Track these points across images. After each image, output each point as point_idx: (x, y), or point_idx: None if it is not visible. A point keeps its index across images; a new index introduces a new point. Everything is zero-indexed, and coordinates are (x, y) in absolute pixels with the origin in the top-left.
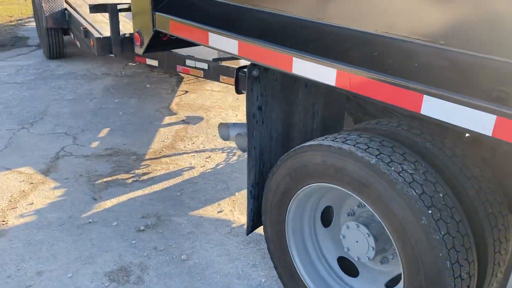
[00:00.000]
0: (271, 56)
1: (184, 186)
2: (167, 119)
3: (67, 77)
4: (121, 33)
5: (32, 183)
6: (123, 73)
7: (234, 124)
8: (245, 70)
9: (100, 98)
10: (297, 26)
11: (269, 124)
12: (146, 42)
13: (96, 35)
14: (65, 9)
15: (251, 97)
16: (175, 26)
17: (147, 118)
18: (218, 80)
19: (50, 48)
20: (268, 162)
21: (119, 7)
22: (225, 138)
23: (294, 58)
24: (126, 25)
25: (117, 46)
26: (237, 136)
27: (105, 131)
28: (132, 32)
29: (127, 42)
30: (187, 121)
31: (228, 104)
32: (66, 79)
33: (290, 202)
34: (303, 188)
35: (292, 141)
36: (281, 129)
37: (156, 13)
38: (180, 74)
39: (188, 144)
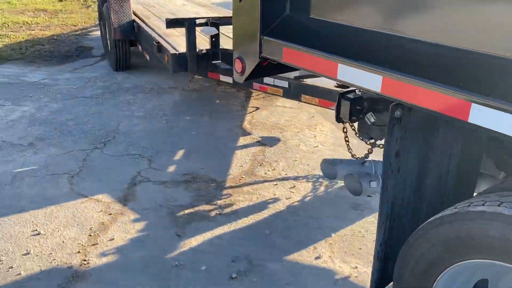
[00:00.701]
0: (436, 99)
1: (272, 222)
2: (242, 140)
3: (134, 90)
4: (197, 49)
5: (111, 214)
6: (190, 86)
7: (342, 161)
8: (350, 96)
9: (170, 115)
10: (467, 60)
11: (404, 172)
12: (249, 70)
13: (172, 51)
14: (133, 20)
15: (390, 141)
16: (289, 54)
17: (221, 138)
18: (299, 100)
19: (117, 60)
20: (399, 217)
21: (197, 21)
22: (331, 176)
23: (472, 105)
24: (201, 40)
25: (193, 63)
26: (348, 178)
27: (180, 153)
28: (208, 48)
29: (203, 58)
30: (263, 142)
31: (303, 123)
32: (134, 93)
33: (440, 275)
34: (462, 262)
35: (425, 190)
36: (415, 177)
37: (265, 37)
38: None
39: (268, 170)
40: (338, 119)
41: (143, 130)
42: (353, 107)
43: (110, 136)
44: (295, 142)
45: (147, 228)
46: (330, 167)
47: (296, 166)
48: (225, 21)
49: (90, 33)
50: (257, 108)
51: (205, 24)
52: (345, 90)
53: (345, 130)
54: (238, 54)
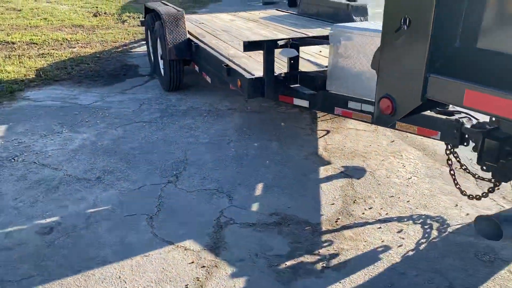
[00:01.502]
0: None
1: (391, 278)
2: (323, 171)
3: (192, 113)
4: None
5: (204, 266)
6: (249, 108)
7: (506, 218)
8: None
9: (237, 141)
10: None
11: None
12: (403, 112)
13: (247, 75)
14: (189, 39)
15: None
16: (475, 97)
17: (299, 169)
18: (393, 127)
19: (170, 80)
20: None
21: (279, 43)
22: (493, 237)
23: None
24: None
25: (270, 88)
26: (483, 220)
27: (259, 187)
28: (287, 71)
29: (281, 83)
30: (347, 173)
31: (385, 149)
32: (192, 117)
33: None
34: None
35: None
36: None
37: (433, 75)
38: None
39: (365, 209)
40: (480, 160)
41: (213, 160)
42: (503, 148)
43: (180, 167)
44: (384, 173)
45: (250, 285)
46: (490, 227)
47: (395, 203)
48: (305, 41)
49: (132, 50)
50: (328, 132)
51: (285, 46)
52: (458, 117)
53: (450, 162)
54: (386, 92)
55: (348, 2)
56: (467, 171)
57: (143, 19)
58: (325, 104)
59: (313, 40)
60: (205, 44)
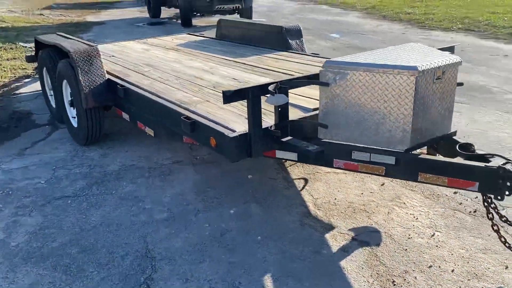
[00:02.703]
0: None
1: None
2: (332, 241)
3: (129, 175)
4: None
5: None
6: (198, 158)
7: None
8: None
9: (206, 211)
10: None
11: None
12: None
13: (228, 132)
14: (108, 80)
15: None
16: None
17: (304, 243)
18: (414, 179)
19: (88, 132)
20: None
21: (271, 87)
22: None
23: None
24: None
25: (258, 145)
26: None
27: (269, 283)
28: (276, 123)
29: (271, 138)
30: (361, 239)
31: (381, 196)
32: (132, 180)
33: None
34: None
35: None
36: None
37: None
38: None
39: None
40: None
41: (188, 247)
42: None
43: (146, 266)
44: (401, 232)
45: None
46: None
47: (440, 276)
48: (297, 83)
49: (17, 92)
50: (306, 181)
51: (272, 90)
52: (500, 164)
53: (491, 216)
54: None
55: (282, 25)
56: (508, 222)
57: (31, 55)
58: (321, 156)
59: (306, 81)
60: (136, 86)
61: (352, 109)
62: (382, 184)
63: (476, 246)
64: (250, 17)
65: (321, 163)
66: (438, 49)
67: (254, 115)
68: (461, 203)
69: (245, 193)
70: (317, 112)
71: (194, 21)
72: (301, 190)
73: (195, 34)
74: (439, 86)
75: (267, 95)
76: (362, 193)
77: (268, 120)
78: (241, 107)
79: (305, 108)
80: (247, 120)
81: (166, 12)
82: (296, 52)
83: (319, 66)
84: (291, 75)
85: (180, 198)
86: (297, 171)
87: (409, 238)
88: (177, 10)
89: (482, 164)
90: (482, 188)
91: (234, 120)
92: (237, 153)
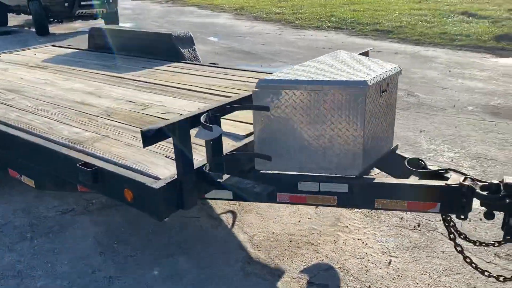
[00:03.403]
0: None
1: None
2: None
3: (4, 239)
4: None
5: None
6: (94, 202)
7: None
8: None
9: (120, 276)
10: None
11: None
12: None
13: (150, 182)
14: None
15: None
16: None
17: None
18: (370, 207)
19: None
20: None
21: (202, 118)
22: None
23: None
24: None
25: (191, 193)
26: None
27: None
28: (210, 162)
29: (206, 180)
30: (320, 284)
31: (320, 222)
32: (10, 246)
33: None
34: None
35: None
36: None
37: None
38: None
39: None
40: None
41: None
42: None
43: None
44: (357, 265)
45: None
46: None
47: None
48: (230, 109)
49: None
50: (234, 214)
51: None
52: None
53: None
54: None
55: (171, 32)
56: (467, 239)
57: None
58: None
59: (244, 106)
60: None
61: (293, 134)
62: (317, 207)
63: (436, 268)
64: (117, 22)
65: (262, 199)
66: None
67: (184, 155)
68: (402, 218)
69: (166, 242)
70: (251, 139)
71: (51, 28)
72: (232, 227)
73: (62, 46)
74: (384, 100)
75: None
76: (299, 221)
77: (196, 156)
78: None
79: (235, 136)
80: (169, 159)
81: (15, 19)
82: (191, 62)
83: (226, 79)
84: (198, 91)
85: (82, 264)
86: (220, 202)
87: (367, 271)
88: (29, 17)
89: (442, 183)
90: (444, 208)
91: (152, 161)
92: (165, 208)
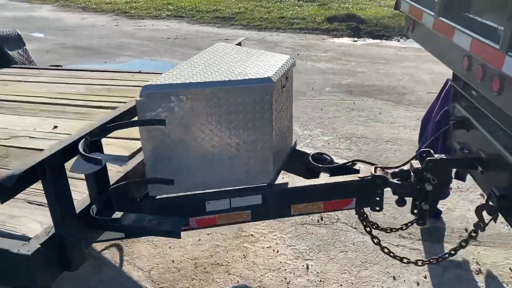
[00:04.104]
0: None
1: None
2: None
3: None
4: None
5: None
6: None
7: None
8: None
9: None
10: None
11: None
12: None
13: (19, 247)
14: None
15: None
16: None
17: None
18: (287, 215)
19: None
20: None
21: (80, 146)
22: None
23: None
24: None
25: (77, 247)
26: None
27: None
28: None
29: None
30: None
31: (227, 236)
32: None
33: None
34: None
35: None
36: None
37: None
38: None
39: None
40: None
41: None
42: None
43: None
44: (276, 279)
45: None
46: None
47: None
48: (110, 129)
49: None
50: (121, 249)
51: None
52: (373, 173)
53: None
54: None
55: None
56: (380, 228)
57: None
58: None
59: (133, 123)
60: None
61: (194, 147)
62: (241, 228)
63: (353, 263)
64: None
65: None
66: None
67: (61, 199)
68: None
69: None
70: (139, 158)
71: None
72: (121, 265)
73: None
74: (284, 95)
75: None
76: (199, 240)
77: (76, 195)
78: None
79: (118, 158)
80: (35, 205)
81: None
82: (25, 66)
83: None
84: (47, 103)
85: None
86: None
87: (288, 283)
88: None
89: (355, 177)
90: (360, 203)
91: (12, 213)
92: (42, 275)
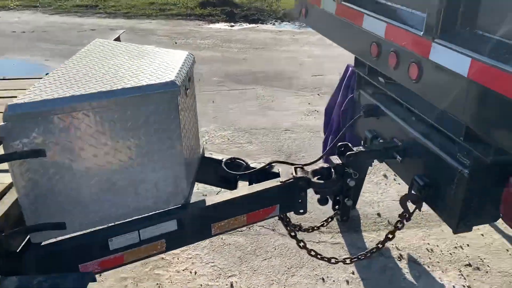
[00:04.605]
0: None
1: None
2: None
3: None
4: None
5: None
6: None
7: None
8: None
9: None
10: None
11: None
12: None
13: None
14: None
15: None
16: None
17: None
18: (209, 235)
19: None
20: None
21: None
22: None
23: None
24: None
25: None
26: None
27: None
28: None
29: None
30: None
31: (141, 276)
32: None
33: None
34: None
35: None
36: None
37: None
38: None
39: None
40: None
41: None
42: None
43: None
44: None
45: None
46: None
47: None
48: None
49: None
50: None
51: None
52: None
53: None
54: None
55: None
56: (302, 229)
57: None
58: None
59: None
60: None
61: (84, 175)
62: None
63: (278, 271)
64: None
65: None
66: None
67: None
68: None
69: None
70: (11, 198)
71: None
72: None
73: None
74: (189, 100)
75: None
76: (100, 276)
77: None
78: None
79: None
80: None
81: None
82: None
83: None
84: None
85: None
86: None
87: None
88: None
89: (277, 182)
90: (283, 208)
91: None
92: None
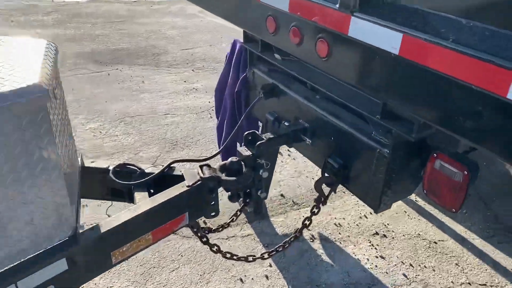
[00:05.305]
0: None
1: None
2: None
3: None
4: None
5: None
6: None
7: None
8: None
9: None
10: None
11: None
12: None
13: None
14: None
15: None
16: None
17: None
18: (110, 266)
19: None
20: None
21: None
22: None
23: None
24: None
25: None
26: None
27: None
28: None
29: None
30: None
31: None
32: None
33: None
34: None
35: None
36: None
37: None
38: None
39: None
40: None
41: None
42: None
43: None
44: None
45: None
46: None
47: None
48: None
49: None
50: None
51: None
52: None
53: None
54: None
55: None
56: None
57: None
58: None
59: None
60: None
61: None
62: None
63: (191, 281)
64: None
65: None
66: None
67: None
68: None
69: None
70: None
71: None
72: None
73: None
74: (59, 103)
75: None
76: None
77: None
78: None
79: None
80: None
81: None
82: None
83: None
84: None
85: None
86: None
87: None
88: None
89: (183, 187)
90: (193, 216)
91: None
92: None
